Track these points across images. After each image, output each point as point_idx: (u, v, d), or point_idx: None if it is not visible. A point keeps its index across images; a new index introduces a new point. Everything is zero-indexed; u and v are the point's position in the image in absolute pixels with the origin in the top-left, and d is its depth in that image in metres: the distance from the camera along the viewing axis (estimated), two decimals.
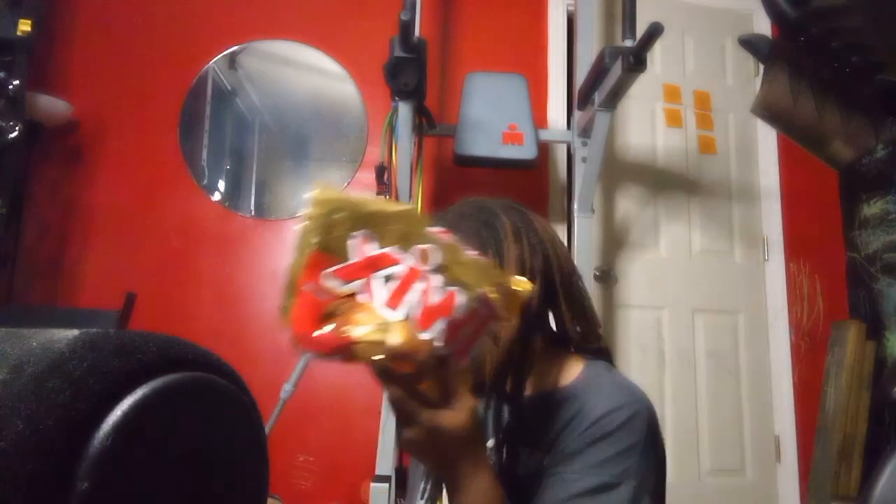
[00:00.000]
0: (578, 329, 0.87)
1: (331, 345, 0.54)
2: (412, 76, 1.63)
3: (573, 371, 0.85)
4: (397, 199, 1.93)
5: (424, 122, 2.01)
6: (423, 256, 0.58)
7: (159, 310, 2.20)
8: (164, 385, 0.28)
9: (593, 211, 2.02)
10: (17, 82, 1.92)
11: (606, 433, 0.75)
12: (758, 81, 2.65)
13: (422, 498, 0.95)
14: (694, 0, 2.73)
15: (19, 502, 0.23)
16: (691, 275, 2.53)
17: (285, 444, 2.12)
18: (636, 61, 1.58)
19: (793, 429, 2.47)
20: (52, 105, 2.21)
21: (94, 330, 0.29)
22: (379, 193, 2.20)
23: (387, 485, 1.56)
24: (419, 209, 1.88)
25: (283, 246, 2.35)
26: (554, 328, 0.89)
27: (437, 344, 0.57)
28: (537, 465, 0.80)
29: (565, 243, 2.41)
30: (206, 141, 2.42)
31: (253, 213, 2.39)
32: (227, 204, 2.39)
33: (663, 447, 0.81)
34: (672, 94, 2.64)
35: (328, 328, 0.55)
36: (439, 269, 0.58)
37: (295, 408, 1.70)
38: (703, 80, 2.69)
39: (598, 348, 0.89)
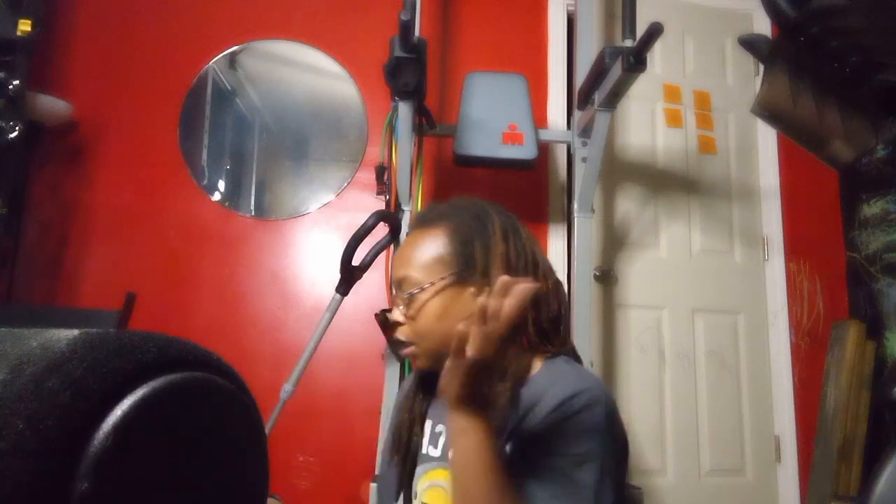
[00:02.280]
0: (551, 333, 0.92)
1: None
2: (412, 76, 1.63)
3: (534, 368, 0.89)
4: (397, 198, 1.92)
5: (424, 122, 2.01)
6: None
7: (159, 310, 2.20)
8: (164, 385, 0.28)
9: (593, 211, 2.02)
10: (17, 82, 1.92)
11: (567, 416, 0.79)
12: (758, 81, 2.65)
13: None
14: (694, 0, 2.73)
15: (20, 502, 0.23)
16: (691, 275, 2.52)
17: (285, 444, 2.12)
18: (636, 61, 1.58)
19: (793, 429, 2.47)
20: (52, 105, 2.21)
21: (94, 330, 0.29)
22: (379, 193, 2.20)
23: None
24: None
25: (283, 246, 2.36)
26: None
27: None
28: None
29: (565, 243, 2.42)
30: (206, 141, 2.42)
31: (253, 213, 2.39)
32: (227, 204, 2.39)
33: (623, 434, 0.85)
34: (672, 94, 2.64)
35: None
36: None
37: (295, 408, 1.70)
38: (703, 80, 2.69)
39: (565, 351, 0.94)
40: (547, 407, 0.81)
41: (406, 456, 0.96)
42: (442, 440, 0.94)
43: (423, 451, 0.95)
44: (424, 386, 0.99)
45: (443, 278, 0.90)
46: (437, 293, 0.90)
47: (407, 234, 0.99)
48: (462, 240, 0.91)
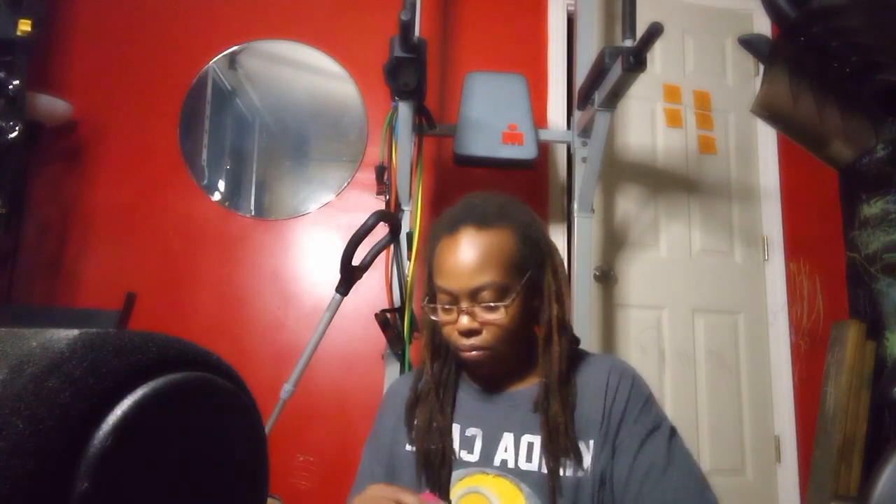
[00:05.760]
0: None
1: None
2: (412, 76, 1.63)
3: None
4: (397, 198, 1.92)
5: (424, 122, 2.01)
6: None
7: (159, 310, 2.20)
8: (164, 385, 0.28)
9: (593, 211, 2.02)
10: (17, 82, 1.92)
11: (641, 390, 0.90)
12: (758, 81, 2.65)
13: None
14: (694, 0, 2.73)
15: (19, 502, 0.23)
16: (691, 275, 2.52)
17: (285, 444, 2.12)
18: (636, 61, 1.58)
19: (793, 429, 2.47)
20: (52, 105, 2.21)
21: (94, 330, 0.29)
22: (379, 193, 2.20)
23: None
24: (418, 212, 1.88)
25: (283, 246, 2.35)
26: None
27: None
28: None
29: (565, 243, 2.42)
30: (205, 141, 2.42)
31: (253, 213, 2.39)
32: (226, 204, 2.39)
33: None
34: (672, 94, 2.64)
35: None
36: None
37: (295, 408, 1.70)
38: (703, 80, 2.69)
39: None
40: (624, 391, 0.88)
41: (441, 465, 0.90)
42: (478, 444, 0.90)
43: (455, 456, 0.91)
44: (444, 388, 0.94)
45: (522, 283, 0.88)
46: (520, 298, 0.88)
47: (457, 234, 0.89)
48: (530, 242, 0.91)
